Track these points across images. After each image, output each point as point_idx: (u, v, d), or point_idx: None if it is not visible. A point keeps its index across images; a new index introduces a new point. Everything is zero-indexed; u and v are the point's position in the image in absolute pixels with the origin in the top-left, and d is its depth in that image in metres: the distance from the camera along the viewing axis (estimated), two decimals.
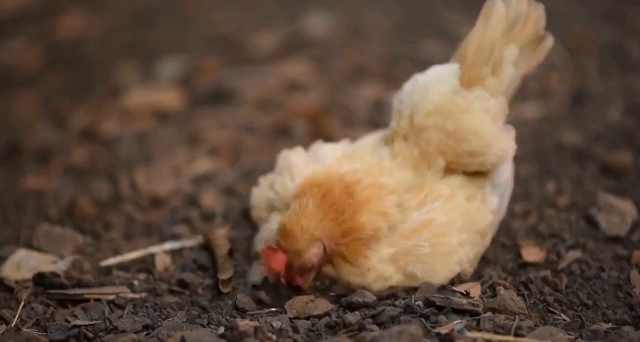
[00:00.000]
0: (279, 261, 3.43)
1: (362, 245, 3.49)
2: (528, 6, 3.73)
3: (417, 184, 3.61)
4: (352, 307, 3.48)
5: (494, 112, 3.68)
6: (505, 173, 3.79)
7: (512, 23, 3.70)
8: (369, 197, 3.50)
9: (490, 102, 3.67)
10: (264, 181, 3.82)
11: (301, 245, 3.42)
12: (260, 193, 3.79)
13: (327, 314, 3.47)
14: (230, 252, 3.80)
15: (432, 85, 3.70)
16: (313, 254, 3.44)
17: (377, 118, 5.18)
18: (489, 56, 3.69)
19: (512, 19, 3.70)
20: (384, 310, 3.39)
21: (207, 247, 3.94)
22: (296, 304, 3.51)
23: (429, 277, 3.52)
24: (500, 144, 3.70)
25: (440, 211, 3.56)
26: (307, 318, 3.45)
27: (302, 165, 3.73)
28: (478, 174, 3.71)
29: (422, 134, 3.65)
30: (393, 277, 3.53)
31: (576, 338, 3.25)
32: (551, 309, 3.51)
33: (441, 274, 3.54)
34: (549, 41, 3.78)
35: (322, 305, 3.50)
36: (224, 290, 3.64)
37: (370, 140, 3.84)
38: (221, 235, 3.93)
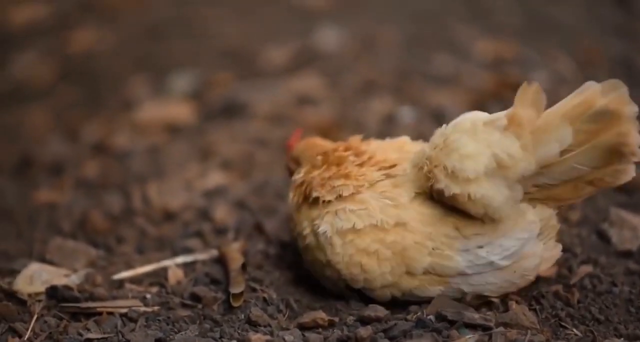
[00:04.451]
0: (294, 139, 3.94)
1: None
2: (623, 109, 3.22)
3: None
4: (364, 321, 3.48)
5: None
6: None
7: (593, 115, 3.22)
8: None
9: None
10: None
11: (305, 154, 3.79)
12: None
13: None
14: (244, 266, 3.81)
15: None
16: (293, 166, 3.88)
17: (387, 132, 5.18)
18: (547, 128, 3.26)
19: (595, 112, 3.23)
20: (395, 324, 3.38)
21: (220, 260, 3.95)
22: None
23: None
24: None
25: None
26: (319, 331, 3.46)
27: None
28: None
29: None
30: None
31: None
32: (563, 323, 3.50)
33: None
34: (631, 173, 3.26)
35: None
36: (235, 304, 3.63)
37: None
38: (235, 248, 3.94)
